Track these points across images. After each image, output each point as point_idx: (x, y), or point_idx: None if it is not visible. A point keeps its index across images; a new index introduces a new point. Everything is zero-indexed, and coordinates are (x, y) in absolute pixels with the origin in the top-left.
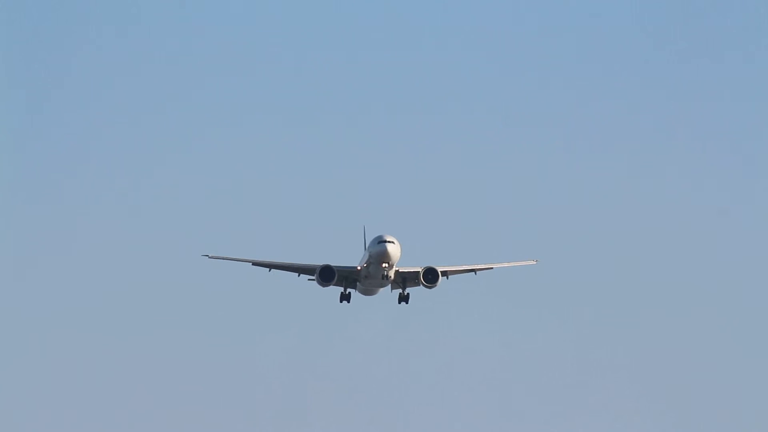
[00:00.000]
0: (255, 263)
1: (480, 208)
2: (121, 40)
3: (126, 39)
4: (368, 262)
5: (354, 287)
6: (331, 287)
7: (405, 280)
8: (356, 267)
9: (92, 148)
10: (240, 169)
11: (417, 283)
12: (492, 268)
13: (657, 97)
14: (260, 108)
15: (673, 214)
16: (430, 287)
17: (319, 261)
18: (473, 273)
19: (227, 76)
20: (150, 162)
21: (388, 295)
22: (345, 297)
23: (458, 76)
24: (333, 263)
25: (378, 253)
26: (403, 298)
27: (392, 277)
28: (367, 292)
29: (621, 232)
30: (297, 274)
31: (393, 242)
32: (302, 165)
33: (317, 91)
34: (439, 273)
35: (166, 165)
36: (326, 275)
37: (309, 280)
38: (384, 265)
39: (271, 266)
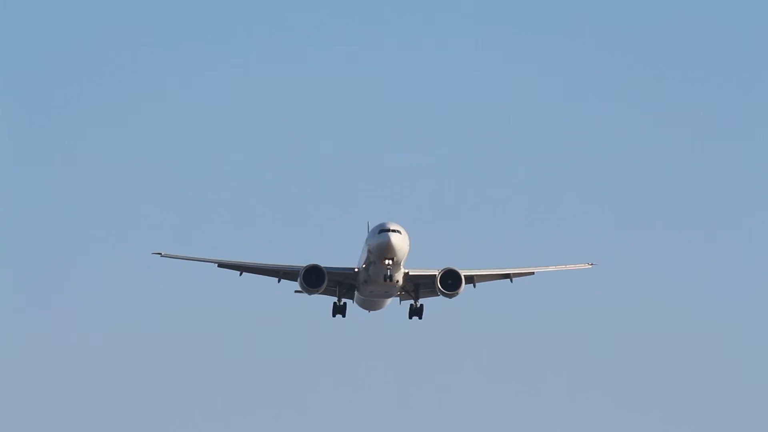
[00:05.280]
0: (222, 264)
1: (513, 203)
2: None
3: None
4: (367, 261)
5: (351, 297)
6: (322, 296)
7: (418, 287)
8: (353, 268)
9: (46, 134)
10: (212, 154)
11: (434, 292)
12: (533, 273)
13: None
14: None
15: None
16: (450, 296)
17: (305, 262)
18: (508, 279)
19: (203, 60)
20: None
21: (396, 307)
22: (339, 309)
23: (485, 55)
24: (324, 264)
25: (378, 246)
26: (416, 312)
27: (399, 281)
28: (369, 303)
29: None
30: (277, 279)
31: (398, 231)
32: (290, 147)
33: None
34: (462, 277)
35: (128, 146)
36: (313, 278)
37: (296, 292)
38: (387, 262)
39: (242, 268)
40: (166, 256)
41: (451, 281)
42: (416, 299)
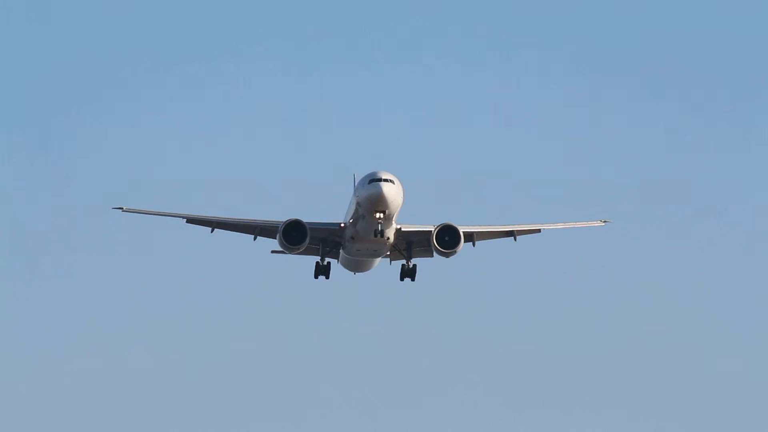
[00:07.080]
0: (191, 220)
1: (519, 156)
2: None
3: None
4: (355, 215)
5: (336, 257)
6: (303, 256)
7: (410, 245)
8: (339, 224)
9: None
10: (183, 101)
11: (428, 250)
12: (539, 230)
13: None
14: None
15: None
16: (446, 255)
17: (284, 217)
18: (512, 238)
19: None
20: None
21: (386, 268)
22: (322, 270)
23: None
24: (305, 219)
25: (369, 197)
26: (408, 273)
27: (390, 238)
28: (355, 264)
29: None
30: (253, 236)
31: (391, 181)
32: (265, 91)
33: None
34: (461, 234)
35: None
36: (294, 235)
37: (273, 252)
38: (378, 215)
39: (214, 224)
40: (128, 210)
41: (448, 238)
42: (409, 259)
